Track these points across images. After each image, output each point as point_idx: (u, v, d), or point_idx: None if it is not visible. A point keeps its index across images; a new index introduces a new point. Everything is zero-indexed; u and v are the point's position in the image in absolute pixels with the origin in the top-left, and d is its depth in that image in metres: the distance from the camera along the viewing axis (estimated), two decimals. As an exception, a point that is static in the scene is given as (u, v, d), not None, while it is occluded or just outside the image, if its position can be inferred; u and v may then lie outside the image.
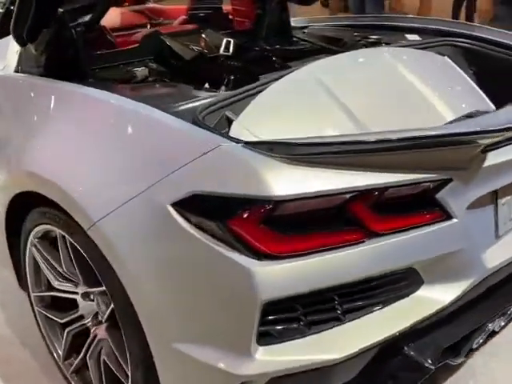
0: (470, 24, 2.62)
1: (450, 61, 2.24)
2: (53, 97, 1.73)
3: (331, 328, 1.36)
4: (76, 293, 1.86)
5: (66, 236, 1.66)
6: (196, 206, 1.32)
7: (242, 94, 1.67)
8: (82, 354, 1.85)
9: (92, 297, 1.83)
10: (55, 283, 1.87)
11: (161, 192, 1.37)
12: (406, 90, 1.89)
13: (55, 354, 1.98)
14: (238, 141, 1.34)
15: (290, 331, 1.34)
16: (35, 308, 2.00)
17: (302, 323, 1.34)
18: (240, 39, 2.63)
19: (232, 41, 2.58)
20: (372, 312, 1.41)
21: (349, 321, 1.38)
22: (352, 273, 1.34)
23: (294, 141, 1.29)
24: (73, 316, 1.88)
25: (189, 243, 1.33)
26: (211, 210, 1.30)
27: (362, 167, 1.31)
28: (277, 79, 1.78)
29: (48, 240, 1.84)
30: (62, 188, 1.51)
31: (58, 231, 1.70)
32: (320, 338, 1.35)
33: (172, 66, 2.41)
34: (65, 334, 1.90)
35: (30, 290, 1.98)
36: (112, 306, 1.57)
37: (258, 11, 2.95)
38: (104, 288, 1.58)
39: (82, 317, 1.88)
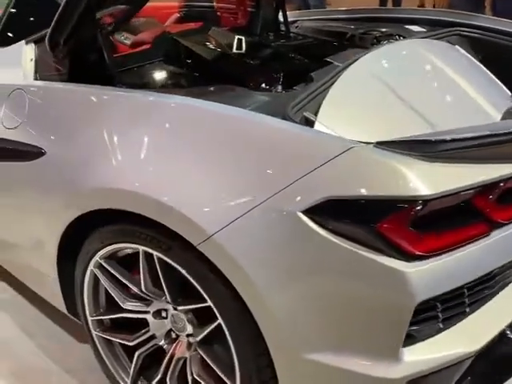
0: (469, 14, 2.70)
1: (463, 51, 2.32)
2: (129, 107, 1.61)
3: (461, 321, 1.38)
4: (147, 312, 1.76)
5: (155, 253, 1.56)
6: (331, 211, 1.28)
7: (319, 89, 1.64)
8: (159, 376, 1.75)
9: (165, 314, 1.74)
10: (125, 304, 1.75)
11: (287, 200, 1.31)
12: (448, 83, 1.94)
13: (121, 382, 1.86)
14: (365, 143, 1.32)
15: (428, 329, 1.34)
16: (93, 333, 1.87)
17: (438, 320, 1.34)
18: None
19: (243, 38, 2.53)
20: (492, 300, 1.43)
21: (473, 311, 1.40)
22: (483, 266, 1.36)
23: (431, 138, 1.29)
24: (144, 337, 1.78)
25: (325, 249, 1.29)
26: (352, 214, 1.27)
27: (491, 160, 1.33)
28: (334, 75, 1.77)
29: (115, 259, 1.73)
30: (166, 204, 1.42)
31: (141, 248, 1.59)
32: (455, 332, 1.36)
33: (192, 67, 2.32)
34: (135, 357, 1.79)
35: (87, 314, 1.85)
36: (218, 321, 1.50)
37: (251, 8, 2.92)
38: (208, 304, 1.50)
39: (153, 337, 1.79)
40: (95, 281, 1.80)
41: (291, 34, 2.89)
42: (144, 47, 2.42)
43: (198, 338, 1.61)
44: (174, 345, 1.75)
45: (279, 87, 1.95)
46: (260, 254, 1.36)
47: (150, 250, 1.57)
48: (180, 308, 1.64)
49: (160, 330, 1.77)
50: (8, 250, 2.02)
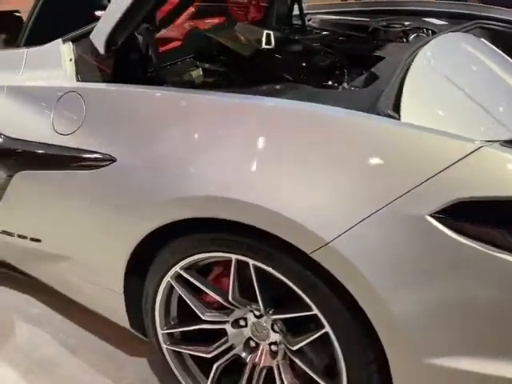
0: (486, 6, 2.73)
1: (489, 43, 2.36)
2: (218, 109, 1.52)
3: None
4: (225, 322, 1.69)
5: (251, 262, 1.49)
6: (462, 214, 1.25)
7: (395, 86, 1.62)
8: (242, 387, 1.69)
9: (243, 323, 1.68)
10: (204, 315, 1.68)
11: (412, 203, 1.28)
12: (491, 74, 1.96)
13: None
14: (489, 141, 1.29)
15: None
16: (163, 347, 1.78)
17: None
18: None
19: (271, 33, 2.47)
20: None
21: None
22: None
23: None
24: (222, 347, 1.71)
25: (456, 252, 1.25)
26: (484, 216, 1.24)
27: None
28: (401, 71, 1.74)
29: (195, 269, 1.65)
30: (276, 212, 1.35)
31: (234, 257, 1.52)
32: None
33: (227, 63, 2.24)
34: (213, 368, 1.71)
35: (158, 328, 1.76)
36: (325, 330, 1.45)
37: (266, 1, 2.86)
38: (314, 312, 1.45)
39: (231, 347, 1.72)
40: (169, 293, 1.71)
41: (308, 28, 2.85)
42: (174, 44, 2.32)
43: (295, 347, 1.56)
44: (258, 354, 1.70)
45: (344, 84, 1.90)
46: (381, 258, 1.31)
47: (246, 259, 1.50)
48: (274, 317, 1.58)
49: (239, 339, 1.71)
50: (64, 266, 1.89)
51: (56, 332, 2.18)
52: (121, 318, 1.84)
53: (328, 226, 1.33)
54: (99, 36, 1.77)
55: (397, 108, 1.53)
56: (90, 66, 1.91)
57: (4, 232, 1.97)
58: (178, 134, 1.54)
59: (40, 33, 2.02)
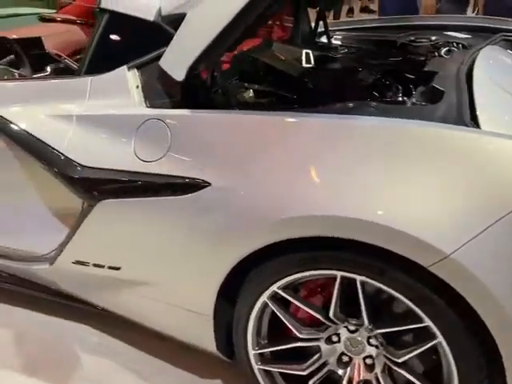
0: (505, 19, 2.85)
1: None
2: (321, 129, 1.56)
3: None
4: (319, 339, 1.72)
5: (359, 278, 1.53)
6: None
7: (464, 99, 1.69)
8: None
9: (336, 339, 1.71)
10: (301, 332, 1.70)
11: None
12: None
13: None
14: None
15: None
16: (255, 367, 1.79)
17: None
18: None
19: (310, 52, 2.52)
20: None
21: None
22: None
23: None
24: (317, 364, 1.74)
25: None
26: None
27: None
28: (464, 84, 1.83)
29: (291, 288, 1.68)
30: (395, 228, 1.39)
31: (340, 274, 1.55)
32: None
33: (276, 83, 2.28)
34: (308, 387, 1.74)
35: (250, 349, 1.77)
36: (438, 340, 1.49)
37: (292, 21, 2.91)
38: (426, 324, 1.49)
39: (325, 363, 1.75)
40: (262, 312, 1.73)
41: (334, 45, 2.91)
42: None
43: (401, 359, 1.59)
44: (353, 368, 1.72)
45: (412, 100, 1.97)
46: (500, 267, 1.37)
47: (353, 276, 1.54)
48: (379, 331, 1.62)
49: (332, 355, 1.74)
50: (145, 292, 1.88)
51: (123, 360, 2.16)
52: (207, 341, 1.84)
53: (447, 239, 1.38)
54: (177, 63, 1.78)
55: (475, 120, 1.60)
56: (158, 92, 1.92)
57: (77, 262, 1.95)
58: (278, 156, 1.57)
59: (101, 60, 2.02)
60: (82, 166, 1.82)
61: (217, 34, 1.64)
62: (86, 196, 1.83)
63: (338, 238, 1.50)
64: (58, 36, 3.27)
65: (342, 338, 1.71)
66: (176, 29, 1.92)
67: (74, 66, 3.01)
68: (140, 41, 2.01)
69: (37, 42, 2.98)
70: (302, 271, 1.60)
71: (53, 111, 1.96)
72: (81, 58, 3.30)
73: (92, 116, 1.90)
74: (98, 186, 1.80)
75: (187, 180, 1.68)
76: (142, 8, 2.00)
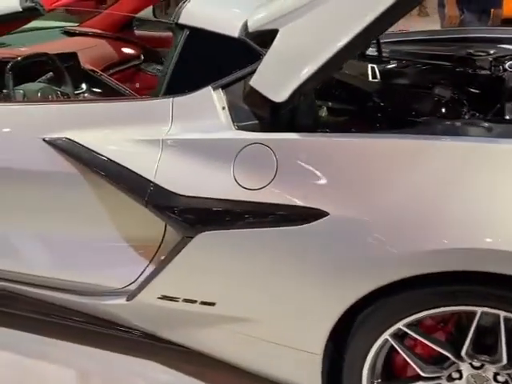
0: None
1: None
2: (456, 153, 1.46)
3: None
4: (440, 377, 1.61)
5: (503, 314, 1.42)
6: None
7: None
8: None
9: (457, 375, 1.60)
10: (424, 371, 1.59)
11: None
12: None
13: None
14: None
15: None
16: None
17: None
18: None
19: (375, 66, 2.43)
20: None
21: None
22: None
23: None
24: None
25: None
26: None
27: None
28: None
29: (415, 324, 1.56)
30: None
31: (480, 310, 1.44)
32: None
33: (350, 100, 2.17)
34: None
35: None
36: None
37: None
38: None
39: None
40: (379, 351, 1.61)
41: (387, 58, 2.83)
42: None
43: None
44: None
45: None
46: None
47: (496, 311, 1.43)
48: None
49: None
50: (242, 329, 1.74)
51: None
52: (311, 380, 1.71)
53: None
54: (276, 83, 1.66)
55: None
56: (245, 114, 1.79)
57: (165, 297, 1.80)
58: (409, 182, 1.46)
59: (181, 80, 1.88)
60: (178, 195, 1.68)
61: (333, 55, 1.52)
62: (184, 227, 1.68)
63: (476, 272, 1.40)
64: (88, 51, 3.11)
65: (465, 375, 1.60)
66: (261, 46, 1.82)
67: (111, 83, 2.87)
68: (223, 59, 1.88)
69: (73, 57, 2.82)
70: (437, 307, 1.49)
71: (133, 135, 1.82)
72: (114, 72, 3.20)
73: (182, 140, 1.76)
74: (197, 217, 1.66)
75: (299, 209, 1.55)
76: (226, 24, 1.88)
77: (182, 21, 1.89)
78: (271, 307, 1.67)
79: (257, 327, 1.72)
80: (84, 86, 2.83)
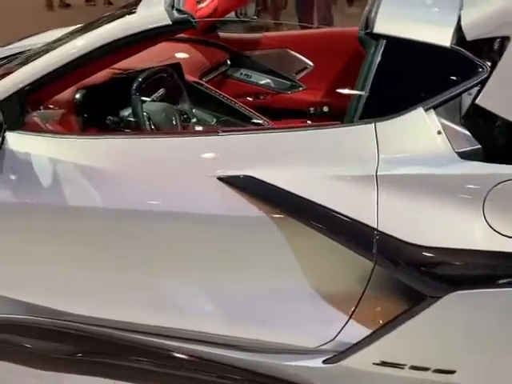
0: None
1: None
2: None
3: None
4: None
5: None
6: None
7: None
8: None
9: None
10: None
11: None
12: None
13: None
14: None
15: None
16: None
17: None
18: None
19: None
20: None
21: None
22: None
23: None
24: None
25: None
26: None
27: None
28: None
29: None
30: None
31: None
32: None
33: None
34: None
35: None
36: None
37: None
38: None
39: None
40: None
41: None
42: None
43: None
44: None
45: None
46: None
47: None
48: None
49: None
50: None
51: None
52: None
53: None
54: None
55: None
56: (466, 140, 1.50)
57: (384, 363, 1.51)
58: None
59: (381, 100, 1.58)
60: (417, 247, 1.38)
61: None
62: (432, 286, 1.38)
63: None
64: (180, 58, 2.77)
65: None
66: (478, 56, 1.53)
67: (223, 98, 2.56)
68: (433, 73, 1.57)
69: (177, 68, 2.50)
70: None
71: (333, 170, 1.52)
72: (216, 77, 2.86)
73: (401, 176, 1.46)
74: (449, 273, 1.36)
75: None
76: (433, 31, 1.57)
77: (378, 30, 1.58)
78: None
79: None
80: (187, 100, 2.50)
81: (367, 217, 1.44)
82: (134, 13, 1.84)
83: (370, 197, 1.46)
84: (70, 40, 1.90)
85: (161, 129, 2.09)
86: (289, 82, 3.06)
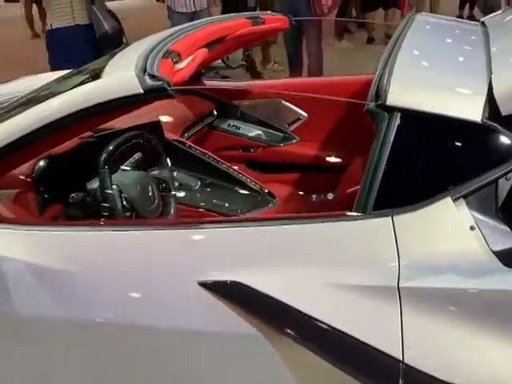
0: None
1: None
2: None
3: None
4: None
5: None
6: None
7: None
8: None
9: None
10: None
11: None
12: None
13: None
14: None
15: None
16: None
17: None
18: None
19: None
20: None
21: None
22: None
23: None
24: None
25: None
26: None
27: None
28: None
29: None
30: None
31: None
32: None
33: None
34: None
35: None
36: None
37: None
38: None
39: None
40: None
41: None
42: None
43: None
44: None
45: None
46: None
47: None
48: None
49: None
50: None
51: None
52: None
53: None
54: None
55: None
56: (506, 236, 1.21)
57: None
58: None
59: (398, 188, 1.29)
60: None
61: None
62: None
63: None
64: (160, 112, 2.48)
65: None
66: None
67: (211, 160, 2.26)
68: (462, 154, 1.29)
69: (156, 128, 2.20)
70: None
71: (340, 277, 1.21)
72: (201, 129, 2.58)
73: (430, 290, 1.16)
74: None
75: None
76: (460, 103, 1.29)
77: (391, 102, 1.29)
78: None
79: None
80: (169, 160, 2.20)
81: (390, 344, 1.13)
82: (98, 78, 1.54)
83: (391, 316, 1.16)
84: (24, 108, 1.61)
85: (135, 203, 1.78)
86: (281, 134, 2.78)
